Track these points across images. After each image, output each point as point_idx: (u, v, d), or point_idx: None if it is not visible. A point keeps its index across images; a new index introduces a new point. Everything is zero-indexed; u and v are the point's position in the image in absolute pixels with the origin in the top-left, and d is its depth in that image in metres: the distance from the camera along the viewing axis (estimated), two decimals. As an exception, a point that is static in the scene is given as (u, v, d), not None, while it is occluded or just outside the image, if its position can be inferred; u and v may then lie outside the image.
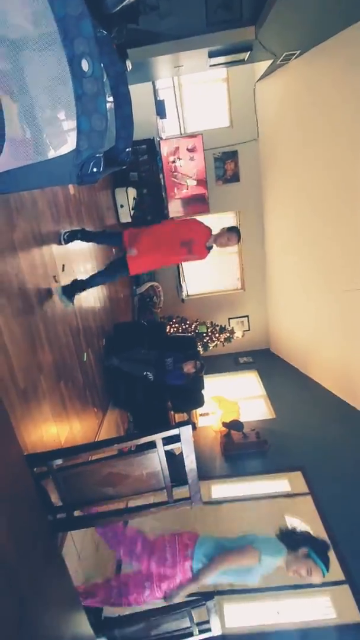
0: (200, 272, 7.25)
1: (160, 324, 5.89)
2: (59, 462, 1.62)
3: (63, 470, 1.68)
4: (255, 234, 6.93)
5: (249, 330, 7.38)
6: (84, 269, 3.71)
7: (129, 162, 1.45)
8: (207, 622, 2.09)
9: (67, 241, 3.21)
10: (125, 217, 5.70)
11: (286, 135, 5.70)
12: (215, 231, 3.30)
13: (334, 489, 4.37)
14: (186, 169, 6.25)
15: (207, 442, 5.37)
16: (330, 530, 4.01)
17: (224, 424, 5.31)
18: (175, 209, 6.43)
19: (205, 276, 7.34)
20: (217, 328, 6.72)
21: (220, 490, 4.78)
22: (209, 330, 6.60)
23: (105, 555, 3.58)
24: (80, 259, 3.65)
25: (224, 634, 2.71)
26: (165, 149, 6.19)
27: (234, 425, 5.21)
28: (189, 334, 6.38)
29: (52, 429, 2.58)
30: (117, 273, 3.44)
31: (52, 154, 1.28)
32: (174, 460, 1.81)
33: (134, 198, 5.79)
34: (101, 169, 1.13)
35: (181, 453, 1.63)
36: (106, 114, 1.03)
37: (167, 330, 6.36)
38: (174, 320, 6.64)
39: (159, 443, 1.58)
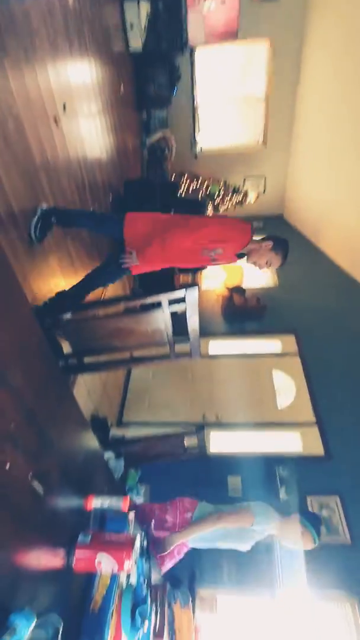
0: (219, 121, 6.41)
1: (172, 184, 5.49)
2: (68, 315, 1.71)
3: (72, 323, 1.79)
4: (287, 75, 5.85)
5: (264, 192, 6.90)
6: (88, 110, 3.27)
7: None
8: (196, 446, 2.54)
9: (39, 237, 2.27)
10: (136, 41, 4.75)
11: None
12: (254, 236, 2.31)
13: (321, 352, 4.75)
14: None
15: (208, 303, 5.60)
16: (310, 385, 4.51)
17: (227, 288, 5.46)
18: (196, 35, 5.29)
19: (223, 126, 6.50)
20: (231, 189, 6.29)
21: (216, 346, 5.20)
22: (221, 191, 6.19)
23: (111, 393, 4.12)
24: (83, 96, 3.18)
25: (209, 456, 3.30)
26: None
27: (237, 289, 5.36)
28: (200, 198, 6.00)
29: (60, 283, 2.66)
30: (111, 277, 2.45)
31: None
32: (177, 316, 1.90)
33: (147, 15, 4.72)
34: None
35: (184, 311, 1.69)
36: None
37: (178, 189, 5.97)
38: (186, 177, 6.17)
39: (165, 303, 1.64)
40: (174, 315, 1.78)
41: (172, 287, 1.69)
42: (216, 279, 5.86)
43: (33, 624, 0.67)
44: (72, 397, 1.20)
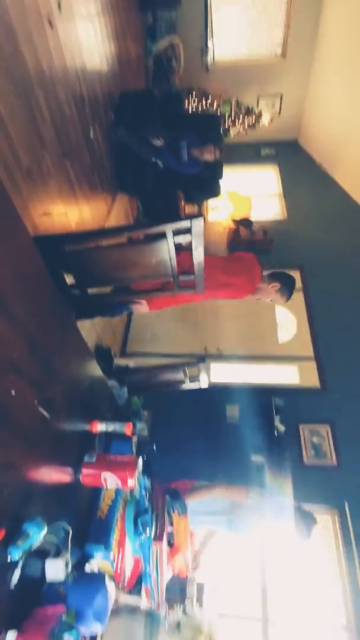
0: (234, 25, 5.67)
1: (176, 96, 4.97)
2: (70, 246, 1.66)
3: (74, 254, 1.74)
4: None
5: (279, 113, 6.34)
6: (87, 11, 2.88)
7: None
8: (197, 377, 2.62)
9: None
10: None
11: None
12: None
13: (325, 288, 4.72)
14: None
15: (214, 236, 5.44)
16: (312, 321, 4.55)
17: (234, 221, 5.27)
18: None
19: (239, 32, 5.76)
20: (243, 109, 5.77)
21: (221, 280, 5.15)
22: (233, 111, 5.68)
23: (115, 324, 4.18)
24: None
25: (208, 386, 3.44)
26: None
27: (244, 222, 5.17)
28: (213, 112, 5.47)
29: (60, 211, 2.56)
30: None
31: None
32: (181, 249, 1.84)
33: None
34: None
35: (189, 243, 1.64)
36: None
37: (185, 106, 5.46)
38: (194, 94, 5.62)
39: (169, 234, 1.57)
40: (178, 247, 1.72)
41: (178, 218, 1.62)
42: (223, 211, 5.63)
43: (44, 531, 0.73)
44: (75, 326, 1.20)
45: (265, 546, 3.32)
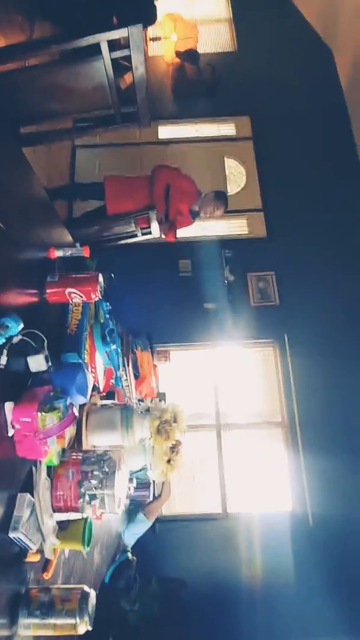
0: None
1: None
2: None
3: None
4: None
5: None
6: None
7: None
8: (149, 227, 2.63)
9: None
10: None
11: None
12: None
13: (275, 136, 4.52)
14: None
15: (156, 75, 4.78)
16: (260, 171, 4.48)
17: (178, 54, 4.58)
18: None
19: None
20: None
21: (166, 131, 4.76)
22: None
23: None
24: None
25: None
26: None
27: (189, 55, 4.52)
28: None
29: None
30: None
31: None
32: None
33: None
34: None
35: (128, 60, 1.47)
36: None
37: None
38: None
39: (105, 47, 1.39)
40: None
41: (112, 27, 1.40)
42: (165, 42, 4.82)
43: (21, 325, 0.82)
44: (28, 165, 1.13)
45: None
